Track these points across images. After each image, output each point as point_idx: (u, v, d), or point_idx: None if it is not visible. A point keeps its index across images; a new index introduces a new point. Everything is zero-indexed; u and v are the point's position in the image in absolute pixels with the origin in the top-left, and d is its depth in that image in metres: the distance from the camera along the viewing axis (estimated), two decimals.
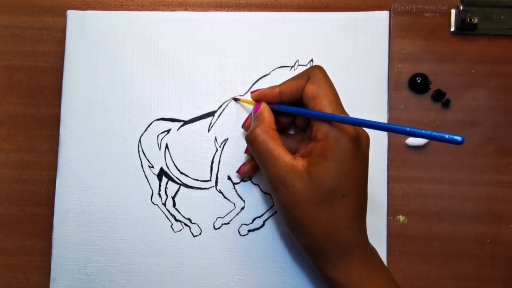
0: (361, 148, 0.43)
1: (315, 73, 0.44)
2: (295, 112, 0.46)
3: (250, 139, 0.45)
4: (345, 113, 0.44)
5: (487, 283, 0.53)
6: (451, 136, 0.33)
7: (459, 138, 0.32)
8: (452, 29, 0.55)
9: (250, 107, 0.53)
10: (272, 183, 0.43)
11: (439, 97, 0.54)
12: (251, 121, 0.48)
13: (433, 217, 0.54)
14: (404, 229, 0.54)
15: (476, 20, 0.54)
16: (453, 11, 0.55)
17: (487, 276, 0.53)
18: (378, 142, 0.53)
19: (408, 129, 0.35)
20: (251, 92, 0.49)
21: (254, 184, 0.53)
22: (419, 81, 0.54)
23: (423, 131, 0.35)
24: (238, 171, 0.52)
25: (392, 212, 0.54)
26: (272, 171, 0.43)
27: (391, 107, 0.54)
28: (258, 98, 0.48)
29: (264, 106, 0.47)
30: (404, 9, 0.55)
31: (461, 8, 0.55)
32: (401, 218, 0.54)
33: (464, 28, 0.54)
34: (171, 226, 0.52)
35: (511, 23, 0.54)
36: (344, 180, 0.41)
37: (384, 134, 0.53)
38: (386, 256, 0.52)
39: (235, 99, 0.53)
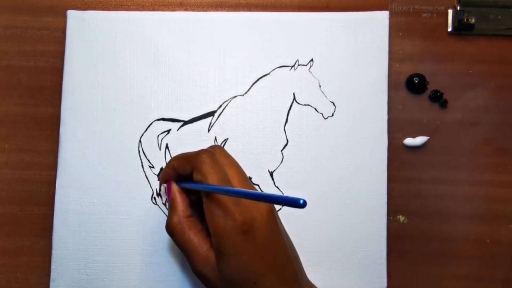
0: (256, 233, 0.41)
1: (199, 163, 0.43)
2: (189, 187, 0.45)
3: (169, 231, 0.45)
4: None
5: (487, 283, 0.53)
6: (293, 199, 0.32)
7: (300, 201, 0.31)
8: (450, 29, 0.55)
9: (251, 107, 0.53)
10: (195, 274, 0.44)
11: (437, 97, 0.55)
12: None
13: (433, 217, 0.54)
14: (404, 229, 0.54)
15: (473, 20, 0.54)
16: (450, 11, 0.55)
17: (487, 276, 0.53)
18: (378, 142, 0.53)
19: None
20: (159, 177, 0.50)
21: (254, 184, 0.53)
22: (416, 81, 0.54)
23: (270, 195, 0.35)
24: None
25: (392, 212, 0.54)
26: (191, 264, 0.43)
27: (389, 108, 0.54)
28: (164, 179, 0.48)
29: (174, 190, 0.46)
30: (401, 10, 0.56)
31: (458, 8, 0.55)
32: (401, 218, 0.54)
33: (461, 28, 0.55)
34: None
35: (509, 23, 0.55)
36: (248, 269, 0.41)
37: (383, 134, 0.53)
38: (386, 256, 0.52)
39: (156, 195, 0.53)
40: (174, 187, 0.46)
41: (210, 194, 0.42)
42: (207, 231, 0.44)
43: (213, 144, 0.53)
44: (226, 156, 0.46)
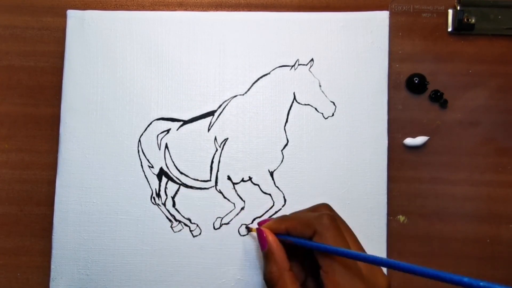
0: None
1: (322, 228, 0.41)
2: (303, 245, 0.42)
3: (271, 282, 0.43)
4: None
5: None
6: None
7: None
8: (450, 29, 0.55)
9: (251, 107, 0.53)
10: None
11: (437, 97, 0.54)
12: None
13: (433, 217, 0.54)
14: (404, 229, 0.54)
15: (473, 20, 0.54)
16: (450, 11, 0.56)
17: (487, 276, 0.53)
18: (377, 142, 0.53)
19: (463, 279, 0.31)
20: (258, 224, 0.48)
21: (254, 184, 0.53)
22: (416, 81, 0.55)
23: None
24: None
25: (392, 212, 0.54)
26: None
27: (389, 108, 0.54)
28: (269, 229, 0.46)
29: (271, 242, 0.44)
30: (401, 10, 0.56)
31: (458, 8, 0.55)
32: (401, 218, 0.54)
33: (462, 28, 0.55)
34: (171, 226, 0.52)
35: (509, 23, 0.55)
36: None
37: (383, 134, 0.53)
38: (386, 256, 0.52)
39: (248, 228, 0.52)
40: (271, 238, 0.45)
41: (334, 257, 0.39)
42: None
43: (213, 144, 0.53)
44: (340, 220, 0.44)
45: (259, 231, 0.46)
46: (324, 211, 0.44)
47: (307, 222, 0.42)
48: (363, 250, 0.43)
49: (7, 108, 0.56)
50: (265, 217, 0.52)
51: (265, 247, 0.45)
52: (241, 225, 0.52)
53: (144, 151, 0.53)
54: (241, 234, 0.52)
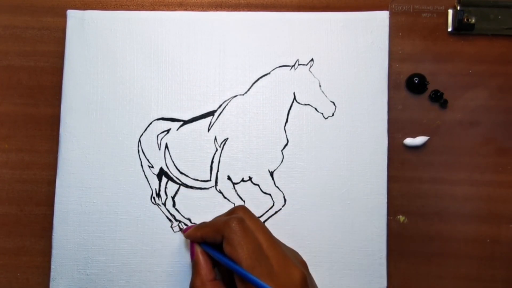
0: None
1: (230, 232, 0.42)
2: (217, 259, 0.44)
3: None
4: (269, 266, 0.41)
5: (487, 283, 0.53)
6: None
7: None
8: (450, 29, 0.55)
9: (251, 107, 0.53)
10: None
11: (437, 97, 0.54)
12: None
13: (433, 217, 0.54)
14: (404, 229, 0.54)
15: (473, 20, 0.54)
16: (450, 11, 0.56)
17: (487, 276, 0.53)
18: (377, 142, 0.53)
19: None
20: (183, 230, 0.50)
21: (254, 184, 0.53)
22: (416, 81, 0.54)
23: None
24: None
25: (392, 212, 0.54)
26: None
27: (389, 108, 0.54)
28: (188, 238, 0.48)
29: (197, 252, 0.46)
30: (401, 10, 0.56)
31: (458, 8, 0.55)
32: (401, 218, 0.54)
33: (462, 28, 0.55)
34: (171, 226, 0.52)
35: (509, 23, 0.55)
36: None
37: (383, 134, 0.53)
38: (386, 256, 0.52)
39: (181, 229, 0.52)
40: (198, 249, 0.46)
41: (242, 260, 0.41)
42: None
43: (213, 144, 0.53)
44: (252, 220, 0.44)
45: (191, 242, 0.48)
46: (238, 213, 0.45)
47: (216, 228, 0.44)
48: (278, 246, 0.43)
49: (7, 108, 0.56)
50: (265, 217, 0.52)
51: (193, 257, 0.46)
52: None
53: (144, 151, 0.53)
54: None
